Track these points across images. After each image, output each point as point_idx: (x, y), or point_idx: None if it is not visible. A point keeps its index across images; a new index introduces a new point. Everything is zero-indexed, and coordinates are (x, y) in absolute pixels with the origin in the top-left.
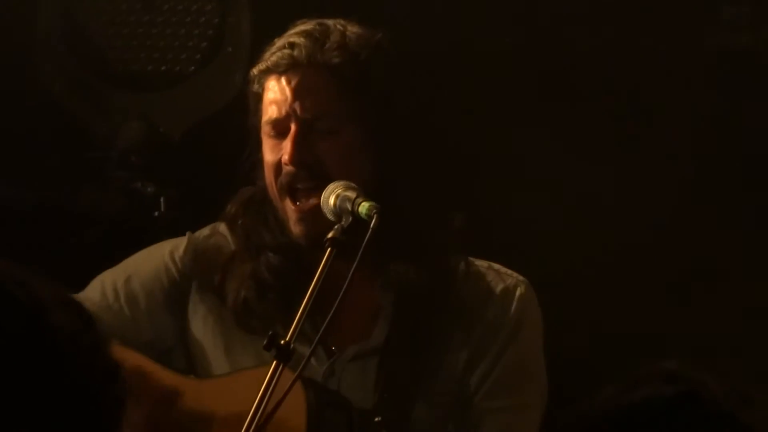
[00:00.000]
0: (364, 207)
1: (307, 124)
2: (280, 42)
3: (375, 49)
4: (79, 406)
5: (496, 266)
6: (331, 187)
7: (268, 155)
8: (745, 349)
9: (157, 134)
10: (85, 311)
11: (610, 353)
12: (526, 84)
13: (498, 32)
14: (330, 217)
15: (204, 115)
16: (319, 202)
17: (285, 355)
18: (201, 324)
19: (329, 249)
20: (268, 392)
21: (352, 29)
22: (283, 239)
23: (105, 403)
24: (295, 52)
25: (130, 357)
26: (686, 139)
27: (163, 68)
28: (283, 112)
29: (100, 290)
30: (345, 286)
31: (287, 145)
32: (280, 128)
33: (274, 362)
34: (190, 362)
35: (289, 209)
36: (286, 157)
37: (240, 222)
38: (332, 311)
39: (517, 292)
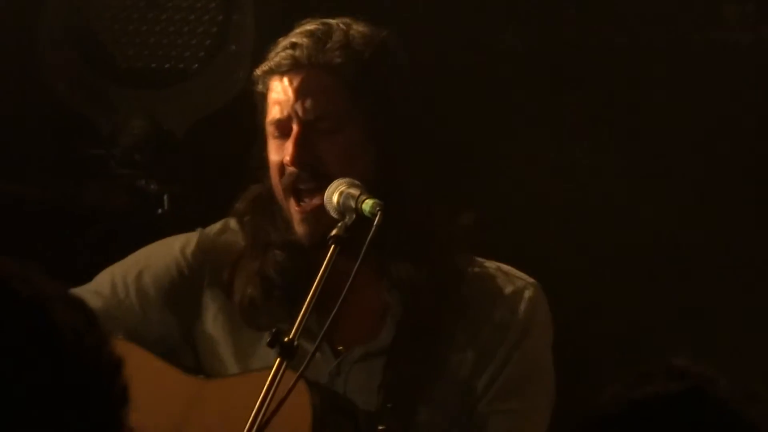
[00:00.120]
0: (367, 204)
1: (309, 124)
2: (283, 42)
3: (379, 48)
4: (83, 403)
5: (506, 268)
6: (334, 184)
7: (273, 155)
8: (750, 348)
9: (161, 132)
10: (87, 308)
11: (618, 353)
12: (531, 82)
13: (502, 31)
14: (333, 214)
15: (207, 113)
16: (322, 203)
17: (288, 353)
18: (211, 321)
19: (332, 246)
20: (272, 389)
21: (357, 28)
22: (290, 237)
23: (108, 400)
24: (297, 53)
25: (136, 354)
26: (689, 138)
27: (167, 66)
28: (285, 113)
29: (110, 284)
30: (349, 283)
31: (289, 146)
32: (282, 129)
33: (278, 359)
34: (199, 359)
35: (293, 209)
36: (287, 158)
37: (248, 219)
38: (336, 308)
39: (526, 295)
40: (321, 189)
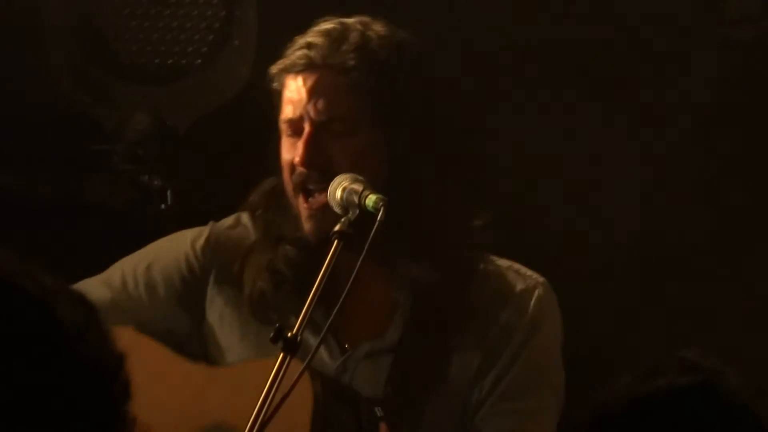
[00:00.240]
0: (370, 200)
1: (321, 125)
2: (299, 41)
3: (396, 50)
4: (86, 398)
5: (516, 266)
6: (337, 180)
7: (285, 153)
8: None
9: (164, 127)
10: (89, 303)
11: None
12: (540, 81)
13: (510, 29)
14: (337, 210)
15: (211, 108)
16: (327, 202)
17: (292, 348)
18: (218, 314)
19: (336, 242)
20: (275, 385)
21: (374, 29)
22: (300, 233)
23: (111, 395)
24: (312, 53)
25: (145, 344)
26: (694, 132)
27: (170, 61)
28: (298, 112)
29: (121, 276)
30: (352, 277)
31: (299, 146)
32: (295, 128)
33: (281, 355)
34: (206, 351)
35: (301, 206)
36: (297, 159)
37: (260, 213)
38: (340, 302)
39: (535, 294)
40: (327, 187)
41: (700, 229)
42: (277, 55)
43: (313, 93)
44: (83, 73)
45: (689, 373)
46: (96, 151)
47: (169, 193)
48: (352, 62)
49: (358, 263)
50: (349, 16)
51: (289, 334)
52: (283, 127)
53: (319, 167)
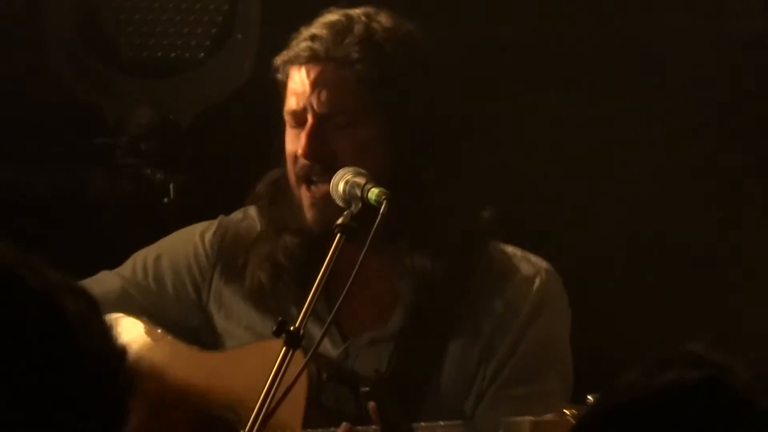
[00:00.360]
0: (373, 193)
1: (324, 117)
2: (304, 33)
3: (400, 42)
4: (90, 389)
5: (521, 252)
6: (340, 173)
7: (289, 144)
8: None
9: (167, 121)
10: (90, 297)
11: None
12: (543, 73)
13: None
14: (339, 203)
15: (213, 102)
16: (329, 192)
17: (294, 341)
18: (224, 305)
19: (338, 235)
20: (279, 377)
21: (380, 20)
22: (303, 224)
23: (115, 387)
24: (316, 45)
25: (152, 332)
26: (698, 126)
27: (173, 55)
28: (302, 104)
29: (132, 267)
30: (355, 270)
31: (302, 138)
32: (299, 119)
33: (284, 348)
34: (218, 342)
35: (304, 195)
36: (300, 151)
37: (264, 203)
38: (344, 293)
39: (537, 279)
40: (330, 178)
41: (699, 227)
42: (280, 48)
43: (316, 85)
44: (86, 66)
45: (697, 367)
46: (99, 144)
47: (171, 186)
48: (356, 55)
49: (361, 257)
50: (355, 7)
51: (292, 328)
52: (287, 118)
53: (322, 159)
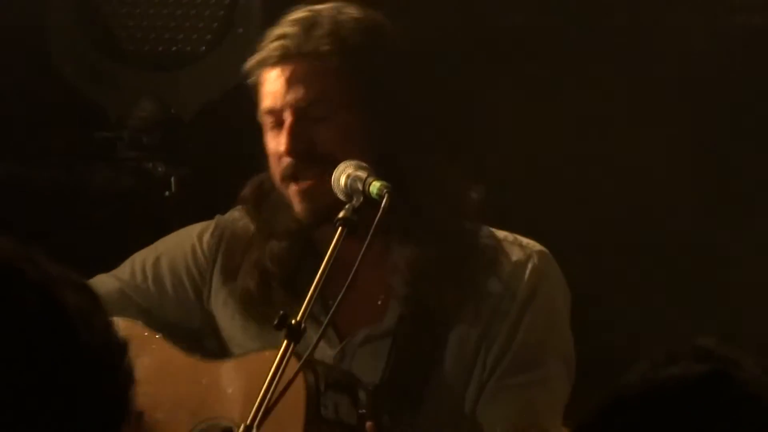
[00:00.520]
0: (375, 186)
1: (302, 112)
2: (272, 33)
3: (369, 32)
4: (92, 382)
5: (513, 236)
6: (341, 166)
7: (271, 145)
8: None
9: (168, 114)
10: (91, 290)
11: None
12: (537, 62)
13: (509, 9)
14: (341, 196)
15: (215, 96)
16: (317, 181)
17: (295, 335)
18: (222, 306)
19: (340, 229)
20: (279, 372)
21: (347, 12)
22: (291, 225)
23: (117, 380)
24: (286, 42)
25: (148, 336)
26: (702, 120)
27: (174, 48)
28: (278, 103)
29: (130, 269)
30: (356, 266)
31: (283, 136)
32: (277, 119)
33: (285, 342)
34: (220, 344)
35: (291, 191)
36: (282, 148)
37: (250, 207)
38: (343, 290)
39: (530, 264)
40: (320, 173)
41: (699, 226)
42: None
43: (291, 82)
44: (87, 60)
45: (704, 360)
46: (100, 138)
47: (173, 180)
48: (326, 47)
49: (362, 252)
50: (322, 2)
51: (293, 321)
52: (266, 119)
53: (305, 154)
